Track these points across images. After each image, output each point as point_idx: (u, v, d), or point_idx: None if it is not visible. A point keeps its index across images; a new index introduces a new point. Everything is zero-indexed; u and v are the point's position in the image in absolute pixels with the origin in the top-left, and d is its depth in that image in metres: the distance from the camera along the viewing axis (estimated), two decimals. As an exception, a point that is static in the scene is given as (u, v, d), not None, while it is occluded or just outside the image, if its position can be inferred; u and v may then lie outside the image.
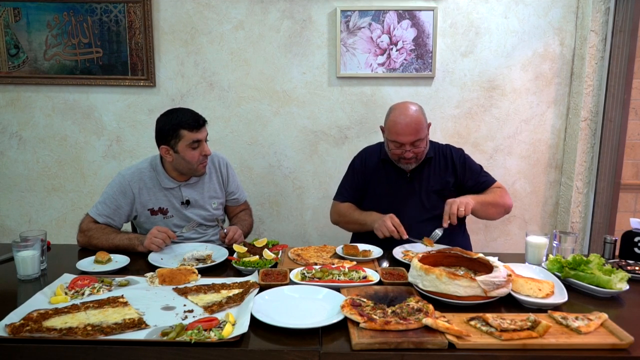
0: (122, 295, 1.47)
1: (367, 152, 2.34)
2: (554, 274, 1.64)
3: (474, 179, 2.21)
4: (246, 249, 1.88)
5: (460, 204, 1.95)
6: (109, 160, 2.97)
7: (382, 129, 2.18)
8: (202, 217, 2.18)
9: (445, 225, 1.95)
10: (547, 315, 1.34)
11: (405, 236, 1.96)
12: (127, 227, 2.23)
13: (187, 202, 2.15)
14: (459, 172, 2.20)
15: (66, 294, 1.48)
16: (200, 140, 2.04)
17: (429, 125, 2.15)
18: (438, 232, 1.99)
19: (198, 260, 1.79)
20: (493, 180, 2.23)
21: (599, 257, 1.66)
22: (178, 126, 2.01)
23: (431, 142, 2.25)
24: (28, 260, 1.63)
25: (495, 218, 2.22)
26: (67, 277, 1.60)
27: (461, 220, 2.12)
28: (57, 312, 1.35)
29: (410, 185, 2.19)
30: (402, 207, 2.14)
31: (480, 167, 2.26)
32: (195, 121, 2.03)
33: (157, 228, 1.92)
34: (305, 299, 1.46)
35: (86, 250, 1.96)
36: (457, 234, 2.17)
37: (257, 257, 1.79)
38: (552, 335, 1.23)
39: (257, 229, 3.01)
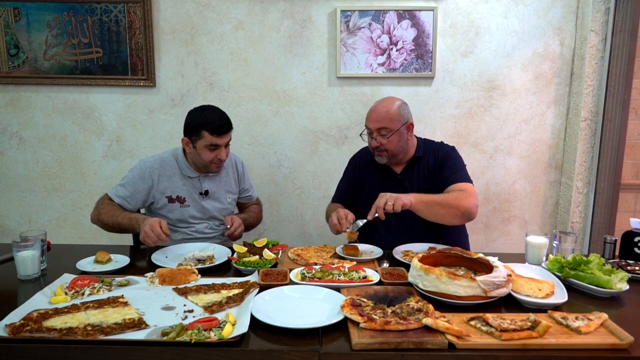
0: (122, 295, 1.48)
1: (362, 152, 2.34)
2: (554, 274, 1.64)
3: (445, 174, 2.09)
4: (246, 249, 1.89)
5: (389, 199, 1.83)
6: (109, 160, 2.97)
7: None
8: (217, 210, 2.23)
9: (370, 218, 1.86)
10: (547, 315, 1.34)
11: (345, 227, 1.95)
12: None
13: (206, 193, 2.19)
14: (438, 168, 2.13)
15: (66, 294, 1.48)
16: (219, 145, 2.06)
17: (410, 124, 2.12)
18: (359, 223, 1.93)
19: (198, 260, 1.79)
20: (459, 180, 2.04)
21: (599, 257, 1.66)
22: (202, 126, 2.03)
23: (424, 140, 2.23)
24: (28, 260, 1.63)
25: (450, 222, 1.98)
26: (67, 277, 1.60)
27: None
28: (57, 312, 1.35)
29: (402, 186, 2.16)
30: None
31: (463, 166, 2.13)
32: (220, 127, 2.03)
33: (152, 225, 1.84)
34: (305, 299, 1.46)
35: (86, 250, 1.96)
36: (457, 234, 2.17)
37: (257, 257, 1.79)
38: (552, 335, 1.23)
39: (257, 229, 3.00)
